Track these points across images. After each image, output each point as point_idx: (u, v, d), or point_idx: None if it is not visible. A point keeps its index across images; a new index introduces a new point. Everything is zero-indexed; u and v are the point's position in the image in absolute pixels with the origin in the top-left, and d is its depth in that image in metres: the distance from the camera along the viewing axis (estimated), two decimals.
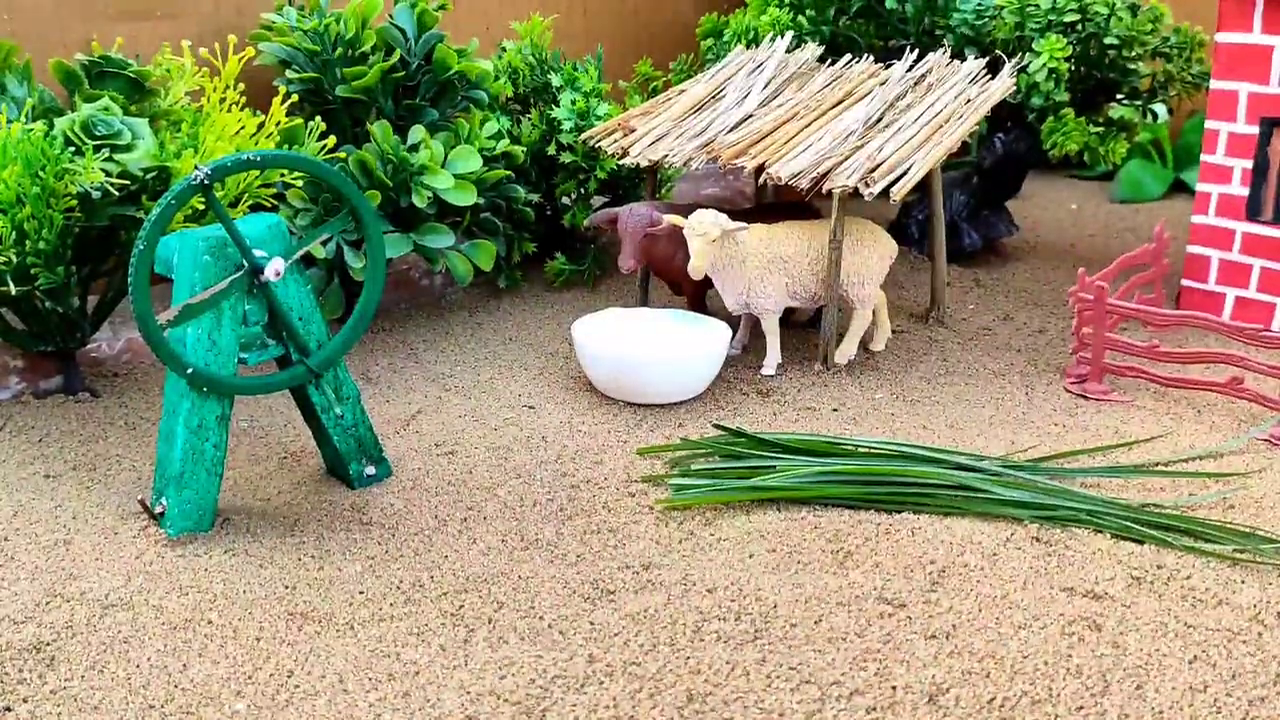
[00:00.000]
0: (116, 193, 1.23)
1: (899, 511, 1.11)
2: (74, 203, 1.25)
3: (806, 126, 1.50)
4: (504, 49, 1.88)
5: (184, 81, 1.45)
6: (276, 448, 1.27)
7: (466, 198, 1.54)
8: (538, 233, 1.87)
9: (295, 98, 1.53)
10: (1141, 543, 1.04)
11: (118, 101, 1.36)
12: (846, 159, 1.40)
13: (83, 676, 0.86)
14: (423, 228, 1.55)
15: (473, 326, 1.69)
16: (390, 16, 1.64)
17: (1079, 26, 1.75)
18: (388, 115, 1.60)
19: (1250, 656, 0.88)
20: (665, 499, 1.14)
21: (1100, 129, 1.81)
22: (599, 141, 1.60)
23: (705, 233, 1.36)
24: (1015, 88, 1.69)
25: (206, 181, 0.99)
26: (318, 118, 1.47)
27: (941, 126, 1.45)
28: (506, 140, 1.66)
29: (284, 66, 1.61)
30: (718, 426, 1.31)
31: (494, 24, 2.10)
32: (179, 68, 1.47)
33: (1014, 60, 1.65)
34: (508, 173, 1.64)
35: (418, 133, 1.55)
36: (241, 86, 1.44)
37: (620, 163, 1.54)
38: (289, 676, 0.86)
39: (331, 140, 1.44)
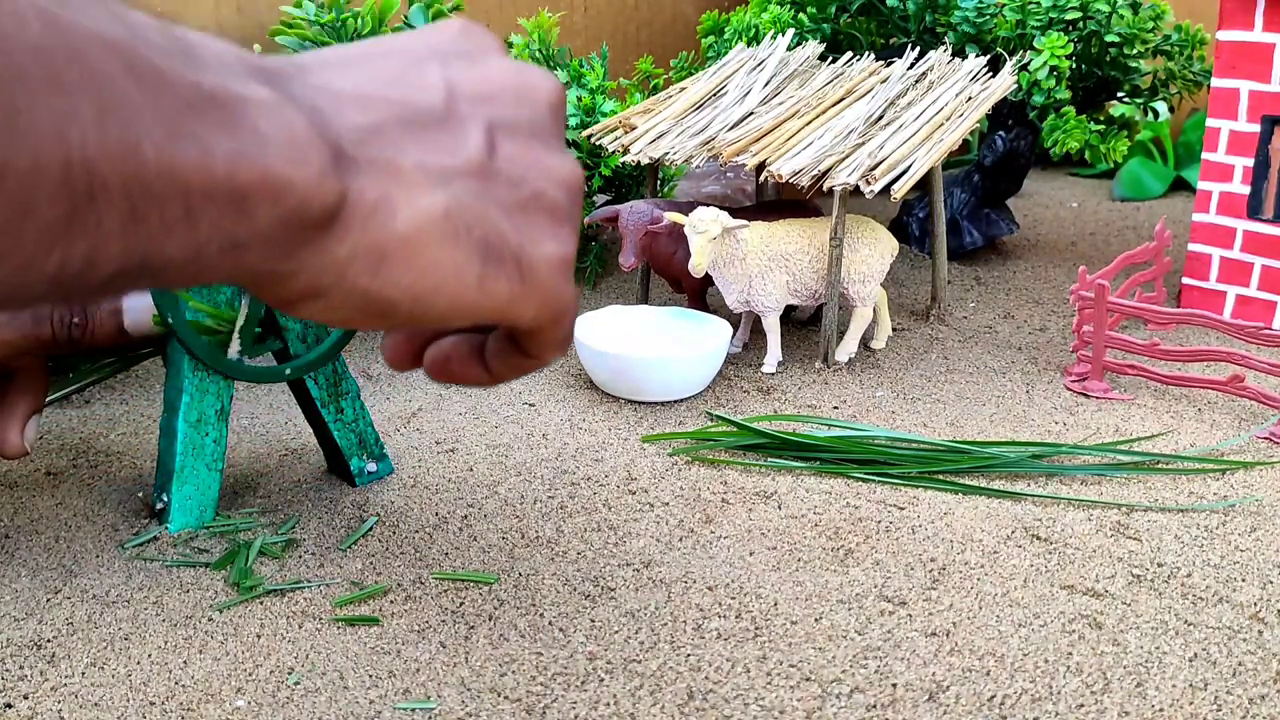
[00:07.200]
0: None
1: (908, 487, 1.12)
2: None
3: (807, 124, 1.50)
4: (510, 44, 1.88)
5: None
6: (277, 445, 1.27)
7: None
8: None
9: None
10: (1141, 540, 1.05)
11: None
12: (847, 157, 1.40)
13: (83, 673, 0.86)
14: None
15: None
16: (405, 18, 1.64)
17: (1080, 24, 1.75)
18: None
19: (1251, 654, 0.88)
20: (682, 448, 1.14)
21: (1101, 127, 1.81)
22: (600, 138, 1.60)
23: (706, 230, 1.36)
24: (1016, 85, 1.69)
25: None
26: None
27: (943, 124, 1.45)
28: None
29: None
30: (711, 415, 1.31)
31: (495, 20, 2.10)
32: None
33: (1015, 58, 1.65)
34: None
35: None
36: None
37: (623, 160, 1.54)
38: (289, 673, 0.86)
39: None
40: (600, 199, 1.95)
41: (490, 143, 0.39)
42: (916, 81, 1.57)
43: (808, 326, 1.66)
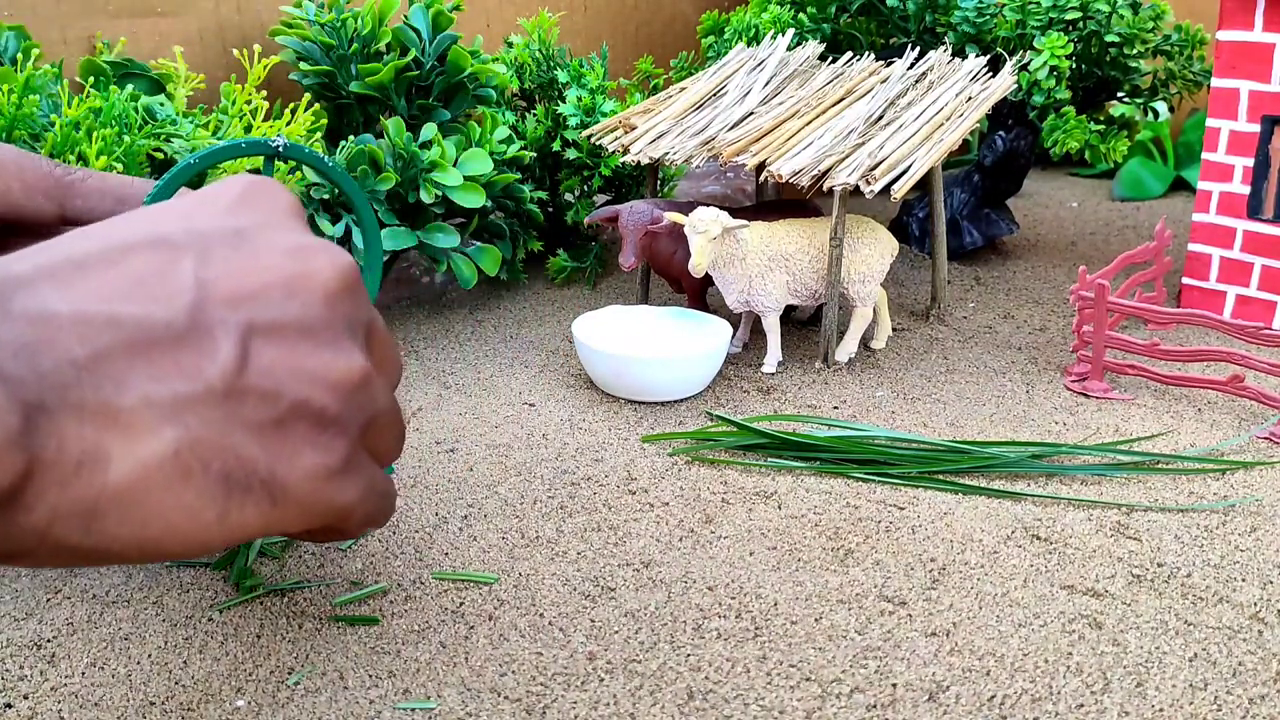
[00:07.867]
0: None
1: (908, 487, 1.12)
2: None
3: (807, 124, 1.50)
4: (510, 44, 1.88)
5: (185, 86, 1.46)
6: None
7: (475, 199, 1.53)
8: (544, 230, 1.88)
9: (306, 96, 1.53)
10: (1141, 540, 1.05)
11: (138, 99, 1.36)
12: (847, 157, 1.40)
13: (83, 673, 0.86)
14: (429, 226, 1.55)
15: (473, 324, 1.69)
16: (405, 18, 1.64)
17: (1080, 24, 1.75)
18: (401, 113, 1.61)
19: (1251, 654, 0.88)
20: (682, 448, 1.14)
21: (1101, 127, 1.81)
22: (600, 138, 1.60)
23: (706, 230, 1.36)
24: (1016, 85, 1.69)
25: (282, 151, 0.98)
26: (319, 105, 1.47)
27: (943, 124, 1.45)
28: (517, 145, 1.65)
29: (300, 60, 1.61)
30: (711, 415, 1.31)
31: (495, 20, 2.10)
32: (172, 70, 1.47)
33: (1015, 58, 1.65)
34: (517, 175, 1.64)
35: (430, 130, 1.55)
36: (264, 92, 1.44)
37: (623, 160, 1.54)
38: (289, 673, 0.86)
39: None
40: (600, 199, 1.95)
41: (242, 354, 0.34)
42: (916, 81, 1.57)
43: (808, 326, 1.66)
